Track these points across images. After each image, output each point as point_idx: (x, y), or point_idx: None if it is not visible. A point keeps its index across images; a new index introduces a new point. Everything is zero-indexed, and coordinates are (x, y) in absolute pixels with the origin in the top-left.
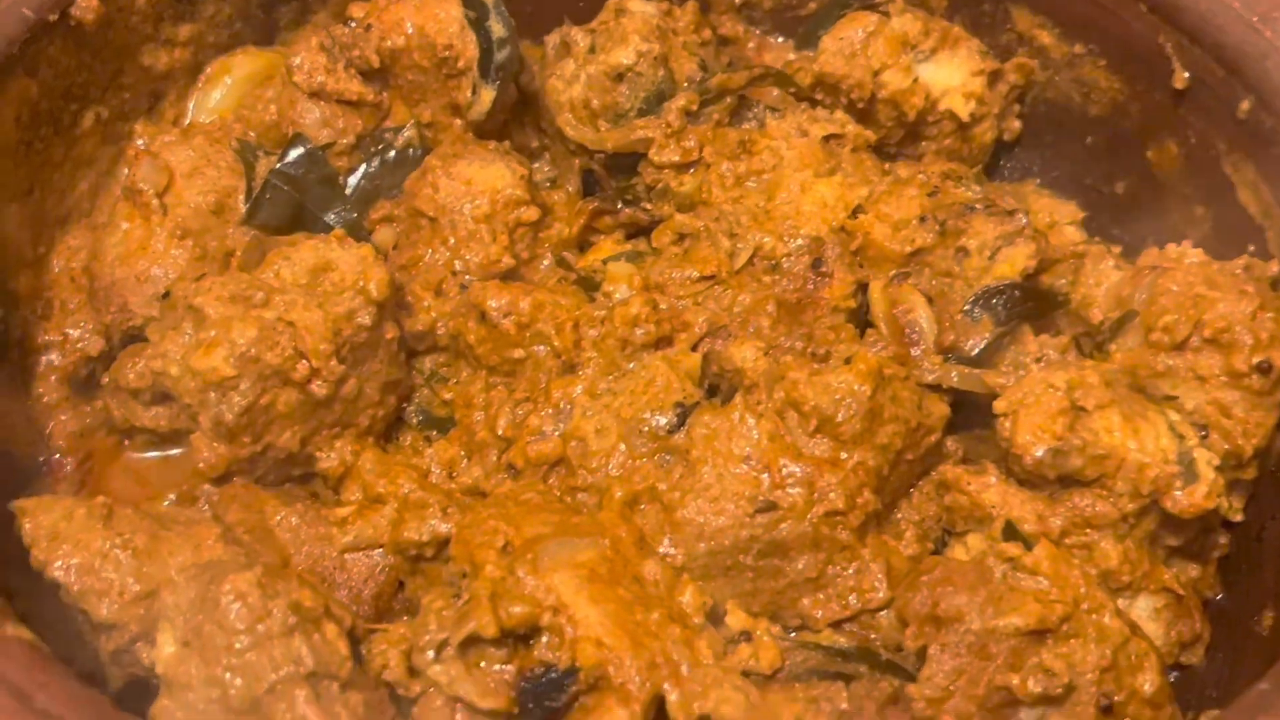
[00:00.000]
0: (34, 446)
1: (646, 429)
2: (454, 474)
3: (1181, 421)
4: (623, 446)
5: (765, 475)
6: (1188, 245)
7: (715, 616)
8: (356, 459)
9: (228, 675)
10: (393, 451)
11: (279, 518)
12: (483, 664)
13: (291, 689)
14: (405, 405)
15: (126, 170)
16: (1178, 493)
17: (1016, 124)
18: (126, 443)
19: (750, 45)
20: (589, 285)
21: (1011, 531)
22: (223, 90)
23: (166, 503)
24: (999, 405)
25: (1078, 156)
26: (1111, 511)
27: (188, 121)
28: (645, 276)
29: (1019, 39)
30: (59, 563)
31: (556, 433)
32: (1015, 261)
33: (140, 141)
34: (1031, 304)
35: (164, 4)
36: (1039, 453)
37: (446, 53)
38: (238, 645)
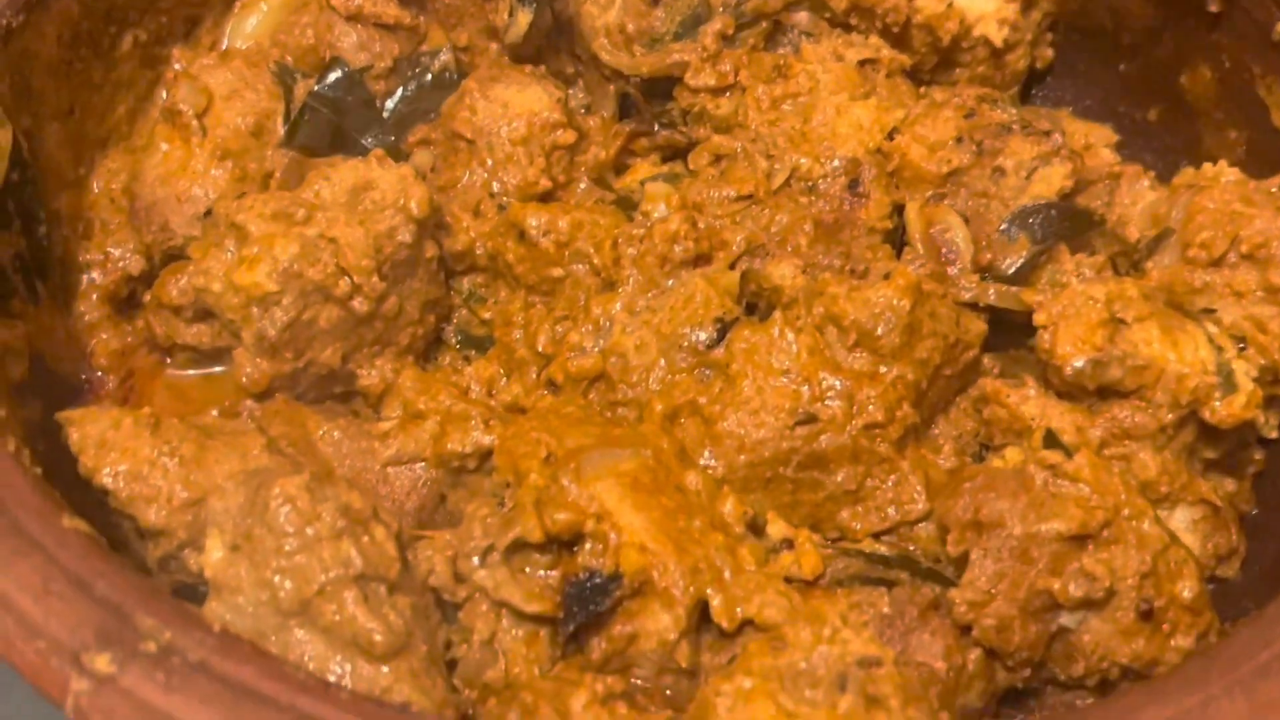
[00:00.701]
0: (76, 364)
1: (686, 344)
2: (494, 392)
3: (1220, 334)
4: (662, 361)
5: (805, 388)
6: (1224, 164)
7: (756, 528)
8: (397, 376)
9: (277, 578)
10: (432, 370)
11: (321, 432)
12: (527, 569)
13: (341, 590)
14: (444, 325)
15: (165, 93)
16: (1217, 403)
17: (1049, 52)
18: (168, 361)
19: None
20: (627, 205)
21: (1052, 440)
22: (259, 15)
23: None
24: (1038, 318)
25: (1111, 84)
26: (1150, 422)
27: (224, 47)
28: (683, 196)
29: None
30: (107, 469)
31: (596, 348)
32: (1052, 181)
33: (178, 65)
34: (1068, 223)
35: None
36: (1079, 363)
37: None
38: (287, 548)
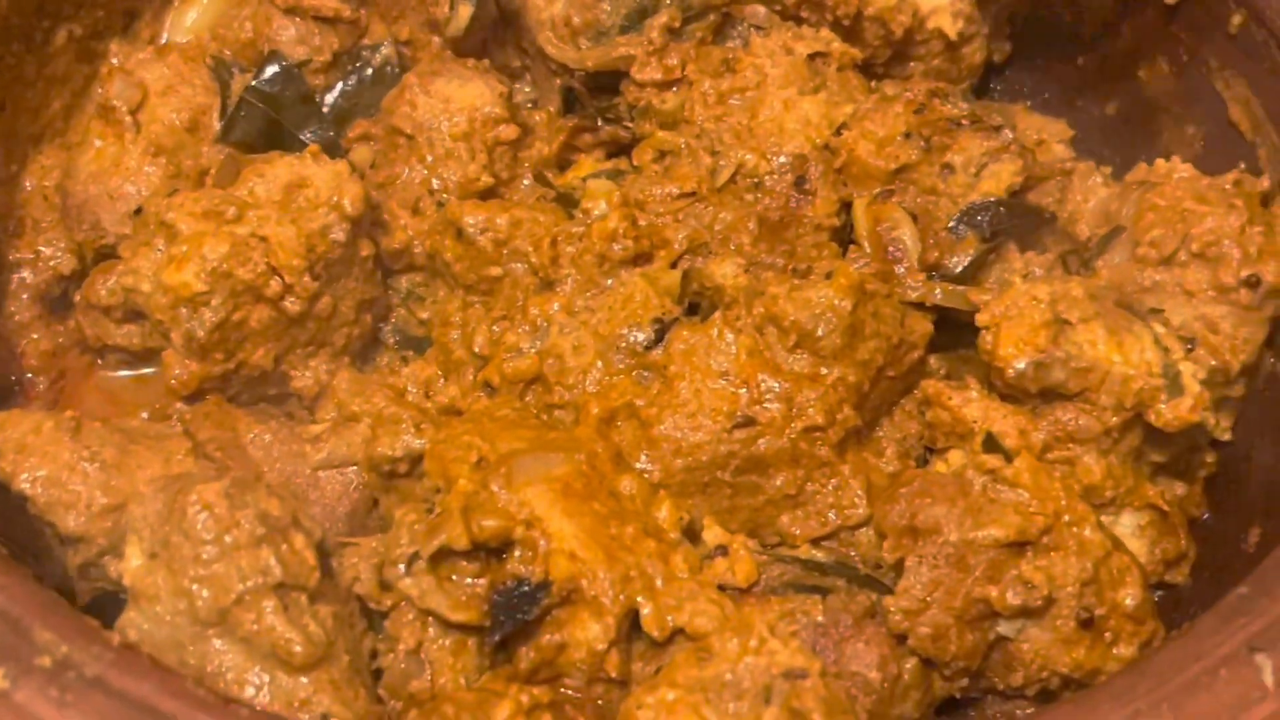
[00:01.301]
0: (6, 366)
1: (624, 345)
2: (430, 394)
3: (1167, 334)
4: (600, 363)
5: (744, 391)
6: (1176, 161)
7: (692, 533)
8: (331, 378)
9: (195, 586)
10: (369, 372)
11: (252, 435)
12: (454, 577)
13: (259, 600)
14: (381, 325)
15: (100, 86)
16: (1162, 405)
17: (1007, 46)
18: (99, 362)
19: None
20: (568, 203)
21: (992, 444)
22: (198, 9)
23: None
24: (981, 318)
25: (1068, 78)
26: (1095, 425)
27: (164, 41)
28: (625, 193)
29: None
30: (25, 474)
31: (533, 349)
32: (1001, 178)
33: (115, 60)
34: (1017, 220)
35: None
36: (1021, 365)
37: None
38: (204, 556)
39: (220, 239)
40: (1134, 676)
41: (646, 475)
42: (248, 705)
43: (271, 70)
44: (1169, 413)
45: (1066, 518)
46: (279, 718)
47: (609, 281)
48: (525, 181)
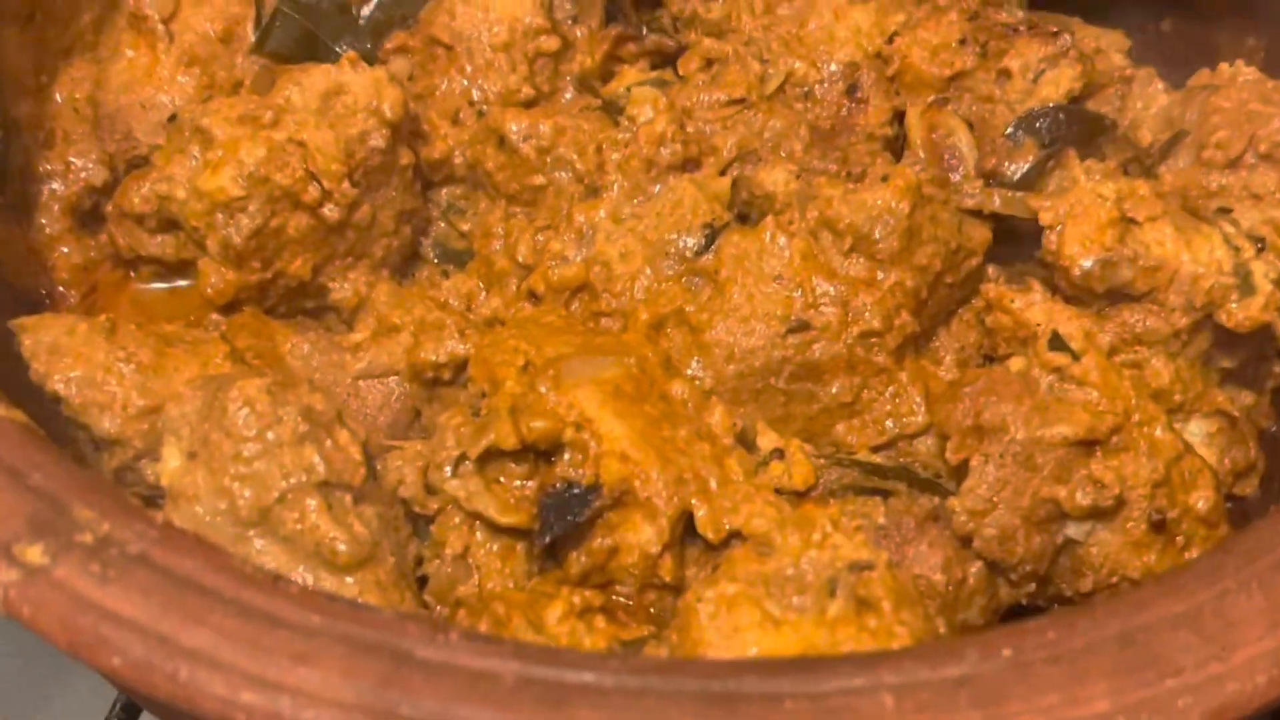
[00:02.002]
0: (36, 278)
1: (673, 251)
2: (473, 306)
3: (1237, 234)
4: (648, 270)
5: (798, 294)
6: (1240, 64)
7: (746, 440)
8: (370, 290)
9: (236, 485)
10: (408, 285)
11: (290, 345)
12: (502, 479)
13: (303, 498)
14: (421, 239)
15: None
16: (1233, 305)
17: None
18: (132, 275)
19: None
20: (613, 110)
21: (1058, 343)
22: None
23: None
24: (1044, 217)
25: None
26: (1163, 326)
27: None
28: (672, 100)
29: None
30: (59, 375)
31: (579, 257)
32: (1060, 83)
33: None
34: (1077, 127)
35: None
36: (1087, 264)
37: None
38: (246, 453)
39: (257, 144)
40: (1220, 555)
41: (698, 382)
42: (296, 583)
43: None
44: (1240, 312)
45: (1137, 417)
46: (327, 594)
47: (656, 188)
48: (567, 94)
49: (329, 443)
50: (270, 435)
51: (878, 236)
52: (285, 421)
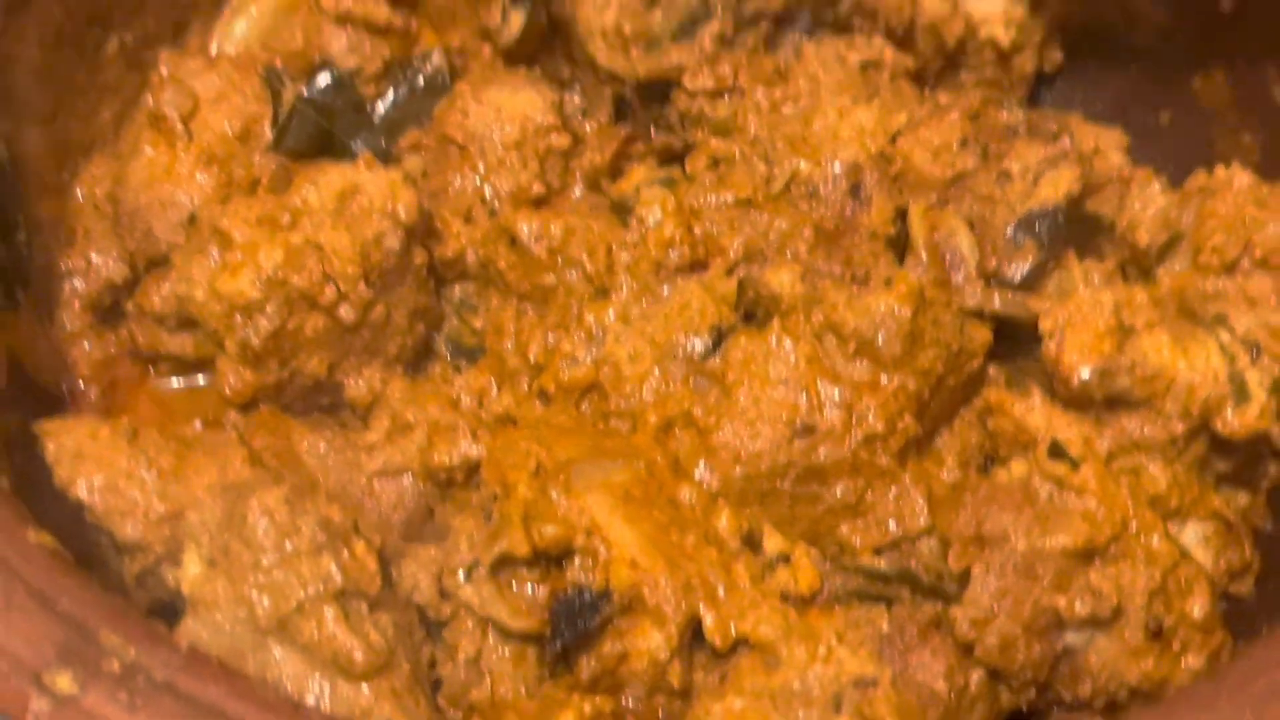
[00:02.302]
0: (57, 374)
1: (681, 353)
2: (485, 402)
3: (1232, 341)
4: (657, 371)
5: (803, 398)
6: (1236, 167)
7: (752, 543)
8: (385, 387)
9: (255, 594)
10: (421, 381)
11: (306, 443)
12: (514, 586)
13: (320, 607)
14: (434, 335)
15: (150, 97)
16: (1229, 413)
17: (1058, 55)
18: (151, 371)
19: None
20: (622, 210)
21: (1058, 451)
22: (248, 19)
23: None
24: (1044, 324)
25: (1121, 87)
26: (1161, 434)
27: (213, 51)
28: (679, 201)
29: None
30: (83, 481)
31: (589, 358)
32: (1059, 184)
33: (165, 69)
34: (1076, 228)
35: None
36: (1085, 373)
37: None
38: (265, 563)
39: (275, 246)
40: (1214, 683)
41: (705, 484)
42: (316, 710)
43: (323, 79)
44: (1236, 420)
45: (1134, 526)
46: None
47: (665, 289)
48: (576, 190)
49: (346, 553)
50: (288, 545)
51: (881, 341)
52: (303, 532)
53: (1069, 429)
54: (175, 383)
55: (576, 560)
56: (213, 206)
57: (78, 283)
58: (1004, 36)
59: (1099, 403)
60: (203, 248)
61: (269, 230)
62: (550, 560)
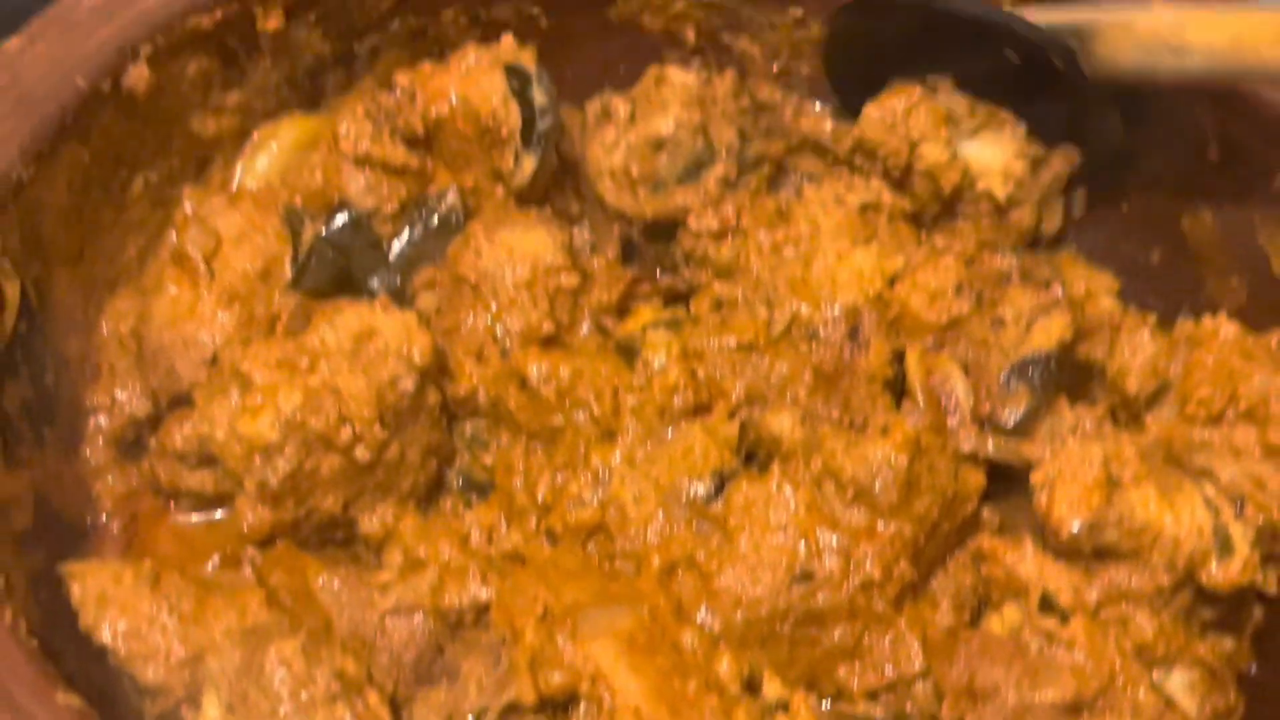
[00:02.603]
0: (81, 508)
1: (684, 497)
2: (494, 539)
3: (1217, 495)
4: (660, 514)
5: (802, 545)
6: (1223, 318)
7: (752, 685)
8: (398, 523)
9: None
10: (433, 516)
11: (321, 581)
12: None
13: None
14: (446, 469)
15: (174, 234)
16: (1213, 567)
17: (1058, 218)
18: (172, 505)
19: (788, 111)
20: (628, 352)
21: (1048, 604)
22: (269, 156)
23: (211, 565)
24: (1035, 478)
25: (1114, 224)
26: (1148, 585)
27: (235, 187)
28: (684, 344)
29: None
30: (107, 626)
31: (595, 499)
32: (1051, 332)
33: (189, 205)
34: (1067, 375)
35: (213, 72)
36: (1075, 526)
37: (490, 121)
38: (282, 712)
39: (294, 390)
40: None
41: (707, 628)
42: None
43: (341, 219)
44: (1220, 574)
45: (1121, 680)
46: None
47: (669, 432)
48: (585, 327)
49: (360, 703)
50: (304, 695)
51: (878, 489)
52: (319, 682)
53: (1059, 578)
54: (195, 517)
55: (582, 706)
56: (234, 347)
57: (102, 419)
58: (1000, 191)
59: (1088, 554)
60: (224, 388)
61: (288, 373)
62: (557, 706)
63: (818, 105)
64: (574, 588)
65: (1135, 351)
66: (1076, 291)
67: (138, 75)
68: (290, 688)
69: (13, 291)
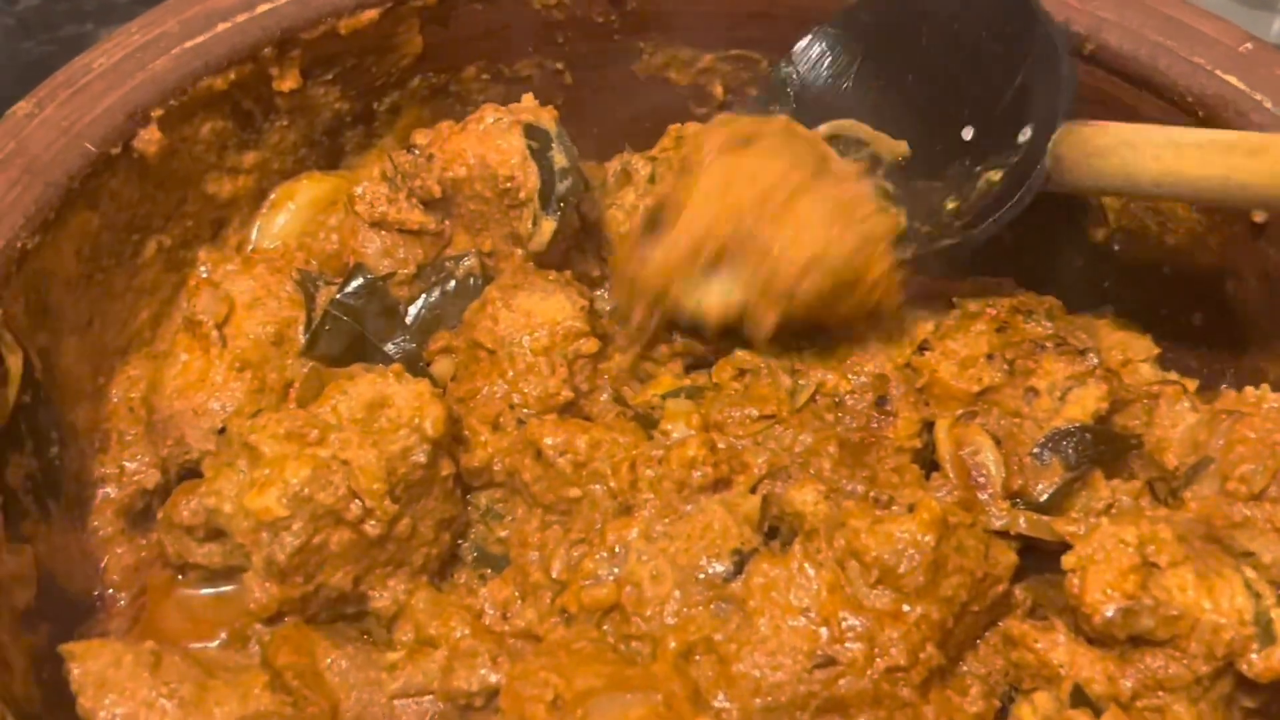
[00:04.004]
0: (89, 581)
1: (703, 576)
2: (508, 615)
3: (1258, 579)
4: (678, 593)
5: (824, 629)
6: (1266, 389)
7: None
8: (410, 598)
9: None
10: (447, 590)
11: (329, 660)
12: None
13: None
14: (461, 541)
15: (187, 300)
16: (1254, 655)
17: None
18: (180, 578)
19: None
20: (647, 422)
21: (1080, 697)
22: (287, 215)
23: (218, 642)
24: (1067, 561)
25: (1154, 285)
26: (1185, 674)
27: (251, 247)
28: (704, 415)
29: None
30: (105, 713)
31: (611, 577)
32: (1086, 403)
33: (203, 270)
34: (1103, 447)
35: (228, 133)
36: (1109, 612)
37: (508, 184)
38: None
39: (302, 463)
40: None
41: (724, 714)
42: None
43: (356, 283)
44: (1261, 663)
45: None
46: None
47: (688, 507)
48: (604, 395)
49: None
50: None
51: (903, 570)
52: None
53: (1092, 666)
54: (204, 590)
55: None
56: (243, 419)
57: (110, 490)
58: None
59: (1123, 640)
60: (232, 460)
61: (297, 445)
62: None
63: None
64: (587, 672)
65: (1175, 423)
66: (1113, 359)
67: (149, 138)
68: None
69: (15, 363)
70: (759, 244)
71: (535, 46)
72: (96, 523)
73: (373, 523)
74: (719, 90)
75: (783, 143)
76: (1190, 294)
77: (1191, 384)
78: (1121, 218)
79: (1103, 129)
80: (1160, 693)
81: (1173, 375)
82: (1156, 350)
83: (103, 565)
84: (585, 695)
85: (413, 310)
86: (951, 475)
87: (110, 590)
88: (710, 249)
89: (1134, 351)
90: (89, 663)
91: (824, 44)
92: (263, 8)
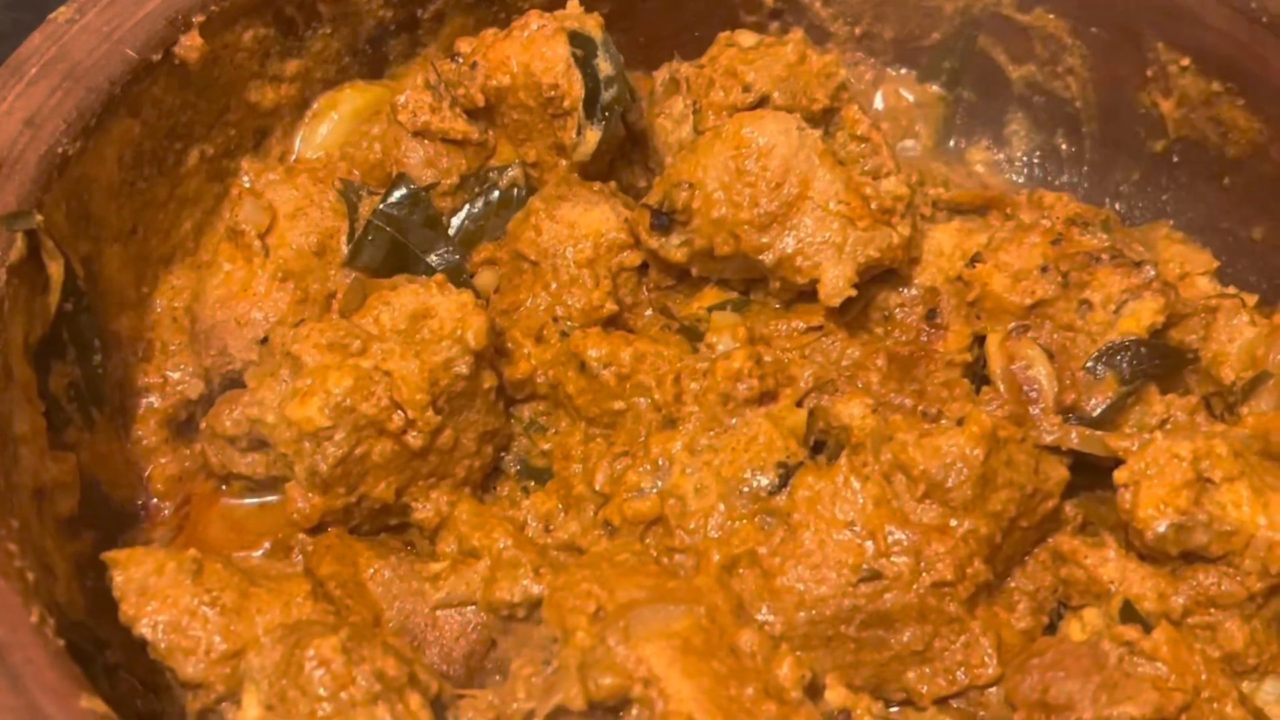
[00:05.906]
0: (133, 490)
1: (747, 489)
2: (550, 527)
3: None
4: (722, 506)
5: (870, 542)
6: None
7: (814, 690)
8: (452, 510)
9: None
10: (489, 502)
11: (372, 570)
12: None
13: None
14: (503, 454)
15: (230, 210)
16: None
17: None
18: (224, 488)
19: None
20: (692, 335)
21: (1130, 612)
22: (329, 125)
23: (261, 551)
24: (1119, 476)
25: (1214, 199)
26: (1238, 590)
27: (294, 157)
28: (750, 327)
29: (1160, 71)
30: (146, 620)
31: (654, 490)
32: (1142, 316)
33: (245, 179)
34: (1159, 362)
35: (270, 41)
36: (1161, 528)
37: (552, 92)
38: (320, 712)
39: (344, 373)
40: None
41: (767, 627)
42: None
43: (399, 193)
44: None
45: (1206, 693)
46: None
47: (733, 421)
48: (649, 310)
49: (399, 705)
50: (344, 695)
51: (951, 484)
52: (359, 682)
53: (1143, 582)
54: (248, 500)
55: (634, 710)
56: (285, 329)
57: (154, 399)
58: None
59: (1175, 557)
60: (274, 370)
61: (339, 355)
62: (607, 709)
63: (901, 70)
64: (629, 584)
65: (1232, 337)
66: (1171, 272)
67: (190, 44)
68: (329, 688)
69: (56, 270)
70: None
71: None
72: (140, 432)
73: (415, 434)
74: None
75: None
76: (1251, 206)
77: (1251, 298)
78: (1181, 128)
79: None
80: (1212, 610)
81: (1231, 289)
82: (1215, 264)
83: (147, 474)
84: (627, 607)
85: (456, 221)
86: (1002, 390)
87: (154, 500)
88: None
89: (1192, 265)
90: (131, 570)
91: None
92: None
